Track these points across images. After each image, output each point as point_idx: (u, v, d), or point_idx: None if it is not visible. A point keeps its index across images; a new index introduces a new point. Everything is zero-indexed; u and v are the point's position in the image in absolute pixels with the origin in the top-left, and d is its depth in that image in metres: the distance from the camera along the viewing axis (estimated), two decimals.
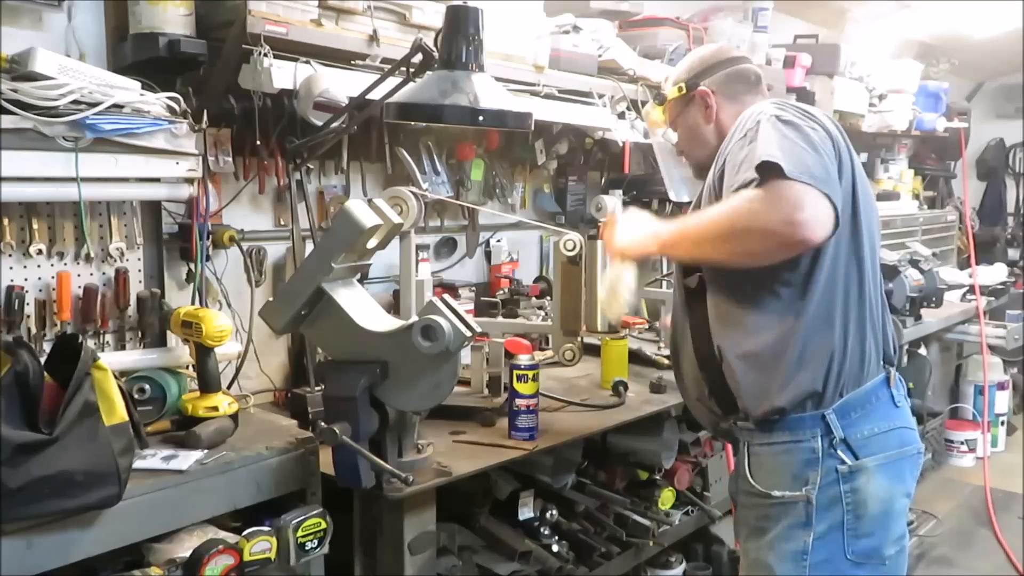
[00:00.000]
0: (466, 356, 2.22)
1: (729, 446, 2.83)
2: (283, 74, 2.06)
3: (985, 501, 4.01)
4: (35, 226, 1.91)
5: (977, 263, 4.91)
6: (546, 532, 2.42)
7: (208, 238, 2.16)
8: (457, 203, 2.87)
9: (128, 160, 1.82)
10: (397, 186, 2.07)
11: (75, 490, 1.41)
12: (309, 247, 2.44)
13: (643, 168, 3.60)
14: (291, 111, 2.19)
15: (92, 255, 1.99)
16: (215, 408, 1.83)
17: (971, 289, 4.56)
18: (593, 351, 2.60)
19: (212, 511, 1.67)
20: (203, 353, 1.86)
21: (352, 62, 2.21)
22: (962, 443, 4.64)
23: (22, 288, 1.89)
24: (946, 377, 4.83)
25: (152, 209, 2.11)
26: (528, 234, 3.35)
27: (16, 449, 1.36)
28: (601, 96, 2.91)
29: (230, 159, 2.28)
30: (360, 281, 1.88)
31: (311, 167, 2.52)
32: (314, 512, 1.71)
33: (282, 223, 2.49)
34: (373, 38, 2.18)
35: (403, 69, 2.02)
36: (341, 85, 2.13)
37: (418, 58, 1.98)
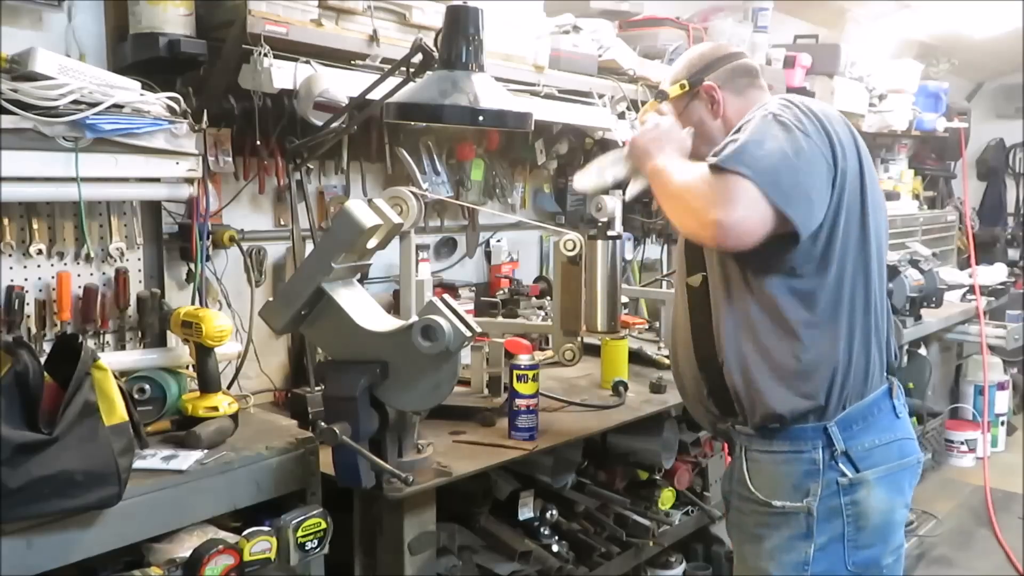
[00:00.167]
0: (466, 356, 2.22)
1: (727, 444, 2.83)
2: (283, 74, 2.06)
3: (985, 501, 4.01)
4: (35, 226, 1.91)
5: (977, 263, 4.90)
6: (546, 532, 2.41)
7: (208, 238, 2.16)
8: (457, 203, 2.87)
9: (128, 160, 1.82)
10: (397, 186, 2.07)
11: (75, 490, 1.41)
12: (309, 247, 2.44)
13: None
14: (291, 111, 2.19)
15: (92, 255, 1.99)
16: (215, 408, 1.83)
17: (971, 289, 4.55)
18: (593, 351, 2.60)
19: (212, 511, 1.67)
20: (203, 353, 1.86)
21: (352, 62, 2.21)
22: (962, 443, 4.64)
23: (22, 288, 1.89)
24: (946, 377, 4.83)
25: (152, 209, 2.12)
26: (528, 234, 3.35)
27: (16, 449, 1.36)
28: (601, 96, 2.91)
29: (230, 159, 2.28)
30: (360, 281, 1.88)
31: (311, 167, 2.52)
32: (314, 512, 1.71)
33: (282, 223, 2.49)
34: (373, 38, 2.18)
35: (403, 69, 2.02)
36: (341, 85, 2.13)
37: (418, 58, 1.98)
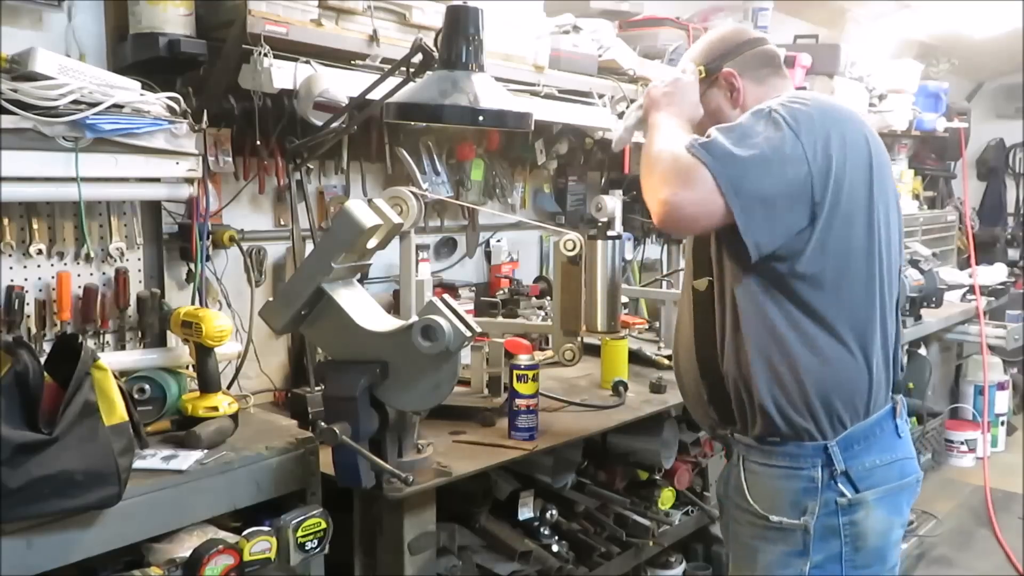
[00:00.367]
0: (466, 356, 2.22)
1: None
2: (283, 74, 2.06)
3: (985, 501, 4.01)
4: (35, 226, 1.91)
5: (977, 263, 4.90)
6: (546, 532, 2.41)
7: (208, 238, 2.16)
8: (457, 203, 2.87)
9: (128, 160, 1.82)
10: (397, 186, 2.07)
11: (75, 490, 1.41)
12: (309, 247, 2.44)
13: None
14: (291, 111, 2.18)
15: (92, 255, 1.99)
16: (215, 408, 1.83)
17: (971, 289, 4.56)
18: (593, 351, 2.60)
19: (212, 511, 1.67)
20: (203, 353, 1.86)
21: (352, 62, 2.21)
22: (962, 443, 4.63)
23: (22, 288, 1.89)
24: (946, 377, 4.83)
25: (152, 209, 2.12)
26: (528, 234, 3.35)
27: (16, 449, 1.36)
28: (601, 96, 2.91)
29: (230, 159, 2.28)
30: (360, 281, 1.88)
31: (311, 167, 2.52)
32: (314, 512, 1.71)
33: (282, 223, 2.49)
34: (373, 38, 2.18)
35: (403, 69, 2.02)
36: (341, 85, 2.13)
37: (418, 58, 1.98)
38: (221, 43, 2.00)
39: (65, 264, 1.98)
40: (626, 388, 2.47)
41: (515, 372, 2.09)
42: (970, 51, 5.28)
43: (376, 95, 2.11)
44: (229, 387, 2.13)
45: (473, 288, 2.93)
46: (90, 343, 1.95)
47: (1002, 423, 4.85)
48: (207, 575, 1.53)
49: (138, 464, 1.58)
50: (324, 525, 1.72)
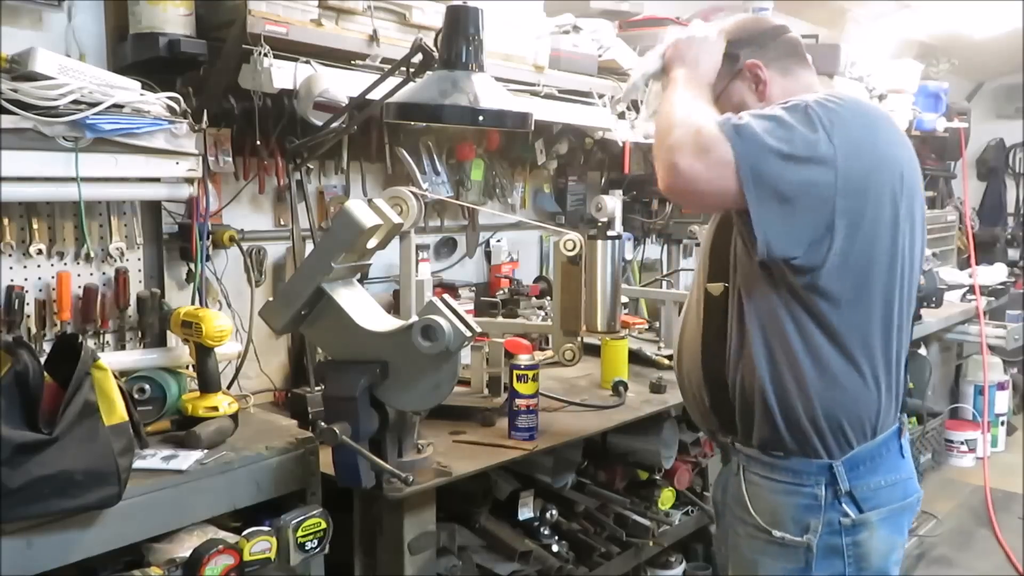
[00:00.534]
0: (466, 356, 2.22)
1: None
2: (283, 74, 2.06)
3: (985, 501, 4.01)
4: (35, 226, 1.91)
5: (977, 263, 4.90)
6: (546, 532, 2.41)
7: (208, 238, 2.16)
8: (457, 203, 2.87)
9: (128, 160, 1.82)
10: (397, 186, 2.07)
11: (75, 490, 1.41)
12: (309, 247, 2.44)
13: (643, 168, 3.60)
14: (291, 111, 2.18)
15: (92, 255, 1.99)
16: (215, 408, 1.83)
17: (971, 289, 4.56)
18: (593, 351, 2.60)
19: (212, 511, 1.67)
20: (203, 353, 1.86)
21: (352, 62, 2.21)
22: (962, 443, 4.63)
23: (22, 288, 1.89)
24: (946, 377, 4.83)
25: (152, 209, 2.12)
26: (528, 234, 3.35)
27: (16, 449, 1.36)
28: (601, 96, 2.91)
29: (230, 159, 2.28)
30: (360, 281, 1.88)
31: (311, 167, 2.52)
32: (314, 512, 1.71)
33: (282, 223, 2.49)
34: (373, 38, 2.18)
35: (403, 69, 2.02)
36: (341, 85, 2.13)
37: (418, 58, 1.98)
38: (221, 43, 2.00)
39: (65, 264, 1.98)
40: (626, 388, 2.47)
41: (515, 372, 2.09)
42: (970, 51, 5.28)
43: (376, 95, 2.11)
44: (229, 387, 2.13)
45: (473, 288, 2.93)
46: (90, 343, 1.95)
47: (1002, 423, 4.84)
48: (207, 575, 1.53)
49: (138, 464, 1.58)
50: (324, 525, 1.72)
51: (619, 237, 2.24)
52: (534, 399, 2.10)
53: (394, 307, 2.46)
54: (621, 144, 3.14)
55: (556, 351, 2.21)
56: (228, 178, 2.33)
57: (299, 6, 2.05)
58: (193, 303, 2.14)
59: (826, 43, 4.17)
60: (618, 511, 2.62)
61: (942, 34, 4.99)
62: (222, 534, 1.65)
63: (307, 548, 1.69)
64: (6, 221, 1.86)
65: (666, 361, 2.78)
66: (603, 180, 3.52)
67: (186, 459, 1.66)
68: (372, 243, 1.83)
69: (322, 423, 1.67)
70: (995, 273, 5.06)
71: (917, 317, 3.86)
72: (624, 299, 3.11)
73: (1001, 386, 4.78)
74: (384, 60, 2.19)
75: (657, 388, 2.54)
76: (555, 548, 2.40)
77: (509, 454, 2.03)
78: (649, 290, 3.34)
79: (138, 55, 1.97)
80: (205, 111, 1.92)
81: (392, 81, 2.06)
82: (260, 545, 1.63)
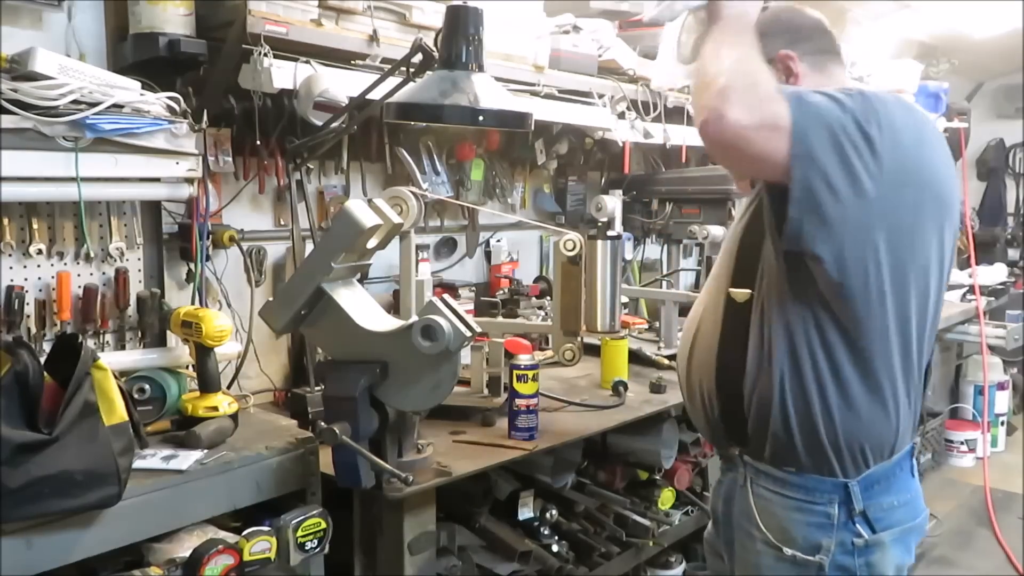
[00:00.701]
0: (466, 356, 2.22)
1: None
2: (283, 74, 2.06)
3: (985, 501, 4.01)
4: (35, 226, 1.91)
5: (977, 263, 4.90)
6: (546, 532, 2.42)
7: (208, 238, 2.16)
8: (457, 203, 2.87)
9: (128, 160, 1.82)
10: (397, 186, 2.07)
11: (75, 490, 1.41)
12: (309, 247, 2.44)
13: (643, 168, 3.61)
14: (291, 111, 2.19)
15: (92, 255, 1.99)
16: (215, 408, 1.83)
17: (971, 289, 4.56)
18: (593, 351, 2.60)
19: (212, 511, 1.67)
20: (203, 353, 1.86)
21: (352, 62, 2.21)
22: (962, 443, 4.64)
23: (22, 288, 1.89)
24: (946, 377, 4.84)
25: (152, 209, 2.12)
26: (528, 234, 3.35)
27: (16, 449, 1.36)
28: (601, 96, 2.91)
29: (230, 159, 2.28)
30: (360, 281, 1.88)
31: (311, 167, 2.52)
32: (314, 512, 1.71)
33: (282, 223, 2.49)
34: (373, 38, 2.18)
35: (403, 69, 2.02)
36: (341, 85, 2.13)
37: (418, 58, 1.98)
38: (221, 43, 2.00)
39: (65, 264, 1.98)
40: (626, 388, 2.47)
41: (515, 372, 2.09)
42: (970, 51, 5.28)
43: (376, 95, 2.11)
44: (229, 387, 2.13)
45: (473, 288, 2.93)
46: (90, 343, 1.95)
47: (1002, 423, 4.85)
48: (207, 575, 1.53)
49: (138, 464, 1.58)
50: (324, 525, 1.72)
51: (619, 237, 2.24)
52: (534, 399, 2.10)
53: (394, 307, 2.46)
54: (621, 144, 3.14)
55: (556, 351, 2.21)
56: (228, 178, 2.33)
57: (299, 6, 2.05)
58: (193, 303, 2.14)
59: None
60: (618, 511, 2.63)
61: (942, 34, 4.98)
62: (222, 534, 1.65)
63: (307, 548, 1.69)
64: (6, 221, 1.86)
65: (666, 361, 2.78)
66: (603, 180, 3.52)
67: (186, 459, 1.66)
68: (372, 243, 1.83)
69: (322, 423, 1.67)
70: (995, 273, 5.06)
71: None
72: (624, 299, 3.11)
73: (1001, 386, 4.79)
74: (384, 60, 2.19)
75: (657, 388, 2.54)
76: (555, 548, 2.40)
77: (509, 454, 2.03)
78: (649, 290, 3.34)
79: (138, 55, 1.97)
80: (205, 111, 1.92)
81: (392, 81, 2.06)
82: (260, 545, 1.63)
